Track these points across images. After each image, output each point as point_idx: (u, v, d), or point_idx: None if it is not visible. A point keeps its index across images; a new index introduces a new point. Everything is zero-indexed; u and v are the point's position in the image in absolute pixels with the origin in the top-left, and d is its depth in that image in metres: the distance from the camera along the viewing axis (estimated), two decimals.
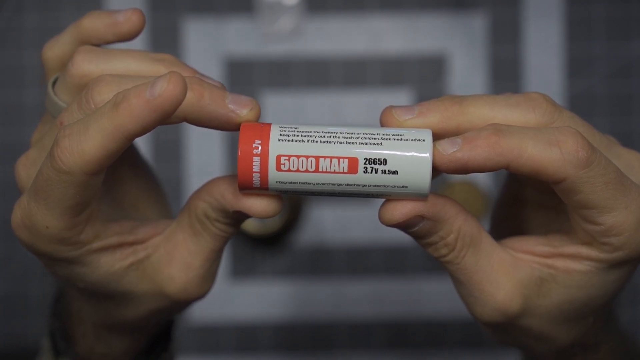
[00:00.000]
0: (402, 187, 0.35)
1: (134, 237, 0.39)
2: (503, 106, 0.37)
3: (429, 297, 0.82)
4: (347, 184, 0.35)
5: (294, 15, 0.82)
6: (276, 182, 0.35)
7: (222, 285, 0.83)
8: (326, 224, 0.82)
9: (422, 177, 0.35)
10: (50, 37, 0.41)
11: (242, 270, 0.83)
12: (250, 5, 0.82)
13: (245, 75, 0.82)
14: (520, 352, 0.44)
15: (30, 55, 0.81)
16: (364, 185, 0.35)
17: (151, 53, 0.38)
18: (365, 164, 0.35)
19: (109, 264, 0.38)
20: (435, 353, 0.82)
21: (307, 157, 0.35)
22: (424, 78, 0.82)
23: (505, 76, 0.82)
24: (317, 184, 0.35)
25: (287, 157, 0.35)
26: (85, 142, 0.34)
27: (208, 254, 0.39)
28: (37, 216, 0.36)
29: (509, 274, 0.38)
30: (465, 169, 0.35)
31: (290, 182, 0.35)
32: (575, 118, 0.37)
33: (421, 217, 0.36)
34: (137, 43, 0.81)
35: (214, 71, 0.82)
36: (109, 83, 0.36)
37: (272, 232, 0.80)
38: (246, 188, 0.36)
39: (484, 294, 0.38)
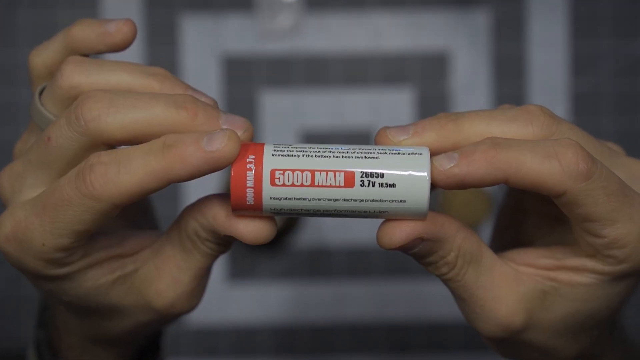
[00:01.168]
0: (401, 201, 0.35)
1: (122, 250, 0.38)
2: (500, 121, 0.36)
3: (431, 300, 0.82)
4: (344, 199, 0.35)
5: (293, 12, 0.81)
6: (270, 198, 0.34)
7: (221, 288, 0.82)
8: (326, 225, 0.82)
9: (420, 192, 0.35)
10: (44, 35, 0.40)
11: (240, 273, 0.82)
12: (249, 2, 0.82)
13: (243, 74, 0.81)
14: None
15: (24, 53, 0.80)
16: (361, 200, 0.35)
17: (143, 66, 0.37)
18: (362, 177, 0.34)
19: (95, 277, 0.37)
20: (438, 356, 0.82)
21: (302, 170, 0.34)
22: (427, 76, 0.81)
23: (509, 74, 0.81)
24: (313, 199, 0.35)
25: (281, 172, 0.34)
26: (124, 175, 0.34)
27: (197, 271, 0.38)
28: (36, 232, 0.35)
29: (511, 288, 0.37)
30: (463, 185, 0.35)
31: (285, 198, 0.34)
32: (575, 129, 0.37)
33: (421, 239, 0.36)
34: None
35: (211, 69, 0.81)
36: (99, 100, 0.35)
37: None
38: (239, 207, 0.35)
39: (485, 309, 0.37)
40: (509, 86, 0.81)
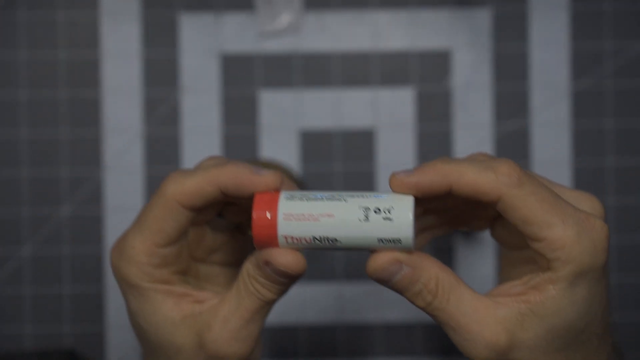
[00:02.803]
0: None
1: (197, 294, 0.46)
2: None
3: None
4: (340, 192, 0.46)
5: (293, 11, 0.81)
6: (286, 197, 0.44)
7: None
8: None
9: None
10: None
11: None
12: (249, 2, 0.81)
13: (242, 73, 0.81)
14: None
15: (24, 53, 0.79)
16: (356, 196, 0.44)
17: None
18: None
19: (169, 308, 0.45)
20: (438, 356, 0.81)
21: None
22: (427, 75, 0.81)
23: (511, 73, 0.81)
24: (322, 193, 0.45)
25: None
26: (188, 179, 0.44)
27: (244, 312, 0.45)
28: (129, 237, 0.45)
29: (491, 313, 0.43)
30: (416, 190, 0.43)
31: (300, 198, 0.44)
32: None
33: (400, 264, 0.43)
34: (132, 37, 0.80)
35: (210, 68, 0.81)
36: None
37: None
38: (260, 207, 0.43)
39: (472, 334, 0.43)
40: (510, 85, 0.81)
